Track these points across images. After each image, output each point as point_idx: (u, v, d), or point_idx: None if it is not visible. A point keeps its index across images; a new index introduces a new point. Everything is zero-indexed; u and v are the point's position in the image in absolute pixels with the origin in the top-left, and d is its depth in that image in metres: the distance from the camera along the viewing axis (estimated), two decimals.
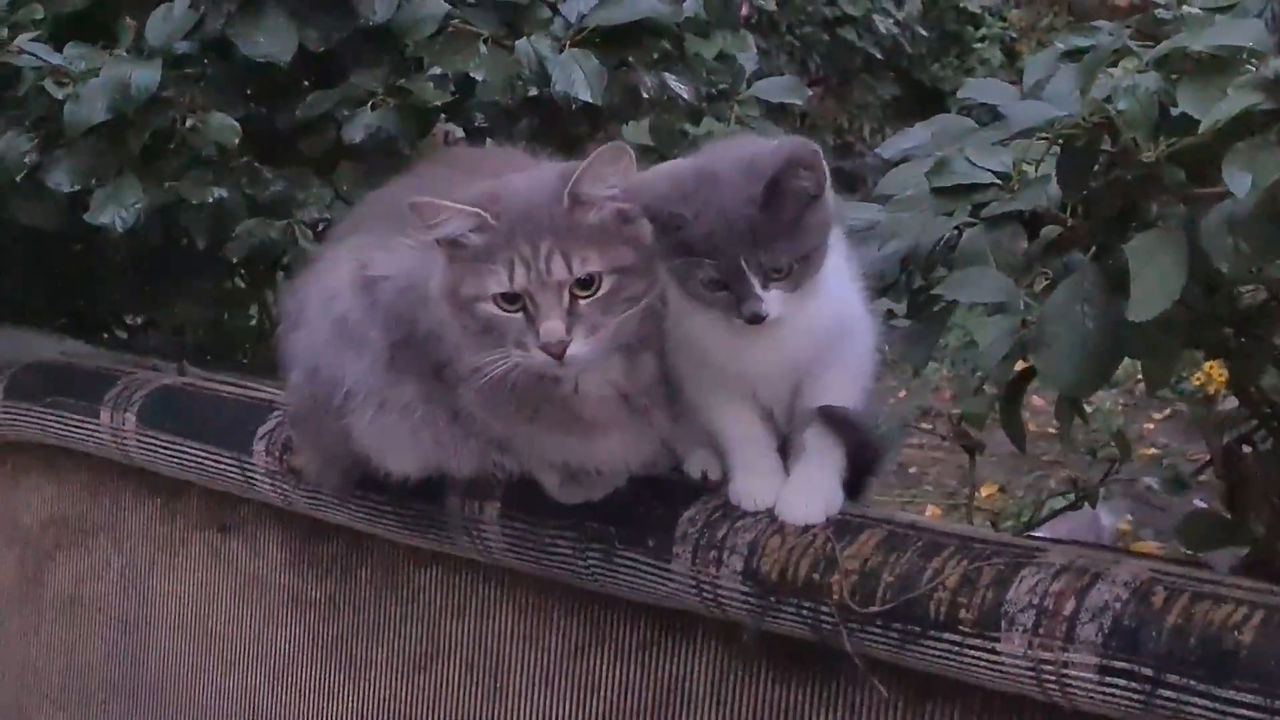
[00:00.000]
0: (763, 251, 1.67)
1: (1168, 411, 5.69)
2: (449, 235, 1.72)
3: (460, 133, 2.91)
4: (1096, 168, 1.71)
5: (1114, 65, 1.68)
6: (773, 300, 1.69)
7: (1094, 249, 1.67)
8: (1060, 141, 1.68)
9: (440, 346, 1.85)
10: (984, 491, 4.98)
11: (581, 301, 1.70)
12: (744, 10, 3.07)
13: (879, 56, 9.50)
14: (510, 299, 1.70)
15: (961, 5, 10.06)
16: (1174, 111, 1.54)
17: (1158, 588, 1.56)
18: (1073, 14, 9.55)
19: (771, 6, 8.26)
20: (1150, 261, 1.48)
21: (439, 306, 1.78)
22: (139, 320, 3.34)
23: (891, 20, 9.51)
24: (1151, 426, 5.58)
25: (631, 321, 1.73)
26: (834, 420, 1.83)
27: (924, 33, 9.79)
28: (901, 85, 9.80)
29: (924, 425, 5.14)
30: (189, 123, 2.60)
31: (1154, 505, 4.64)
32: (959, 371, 5.41)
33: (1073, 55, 1.73)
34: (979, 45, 9.92)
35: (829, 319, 1.79)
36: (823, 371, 1.83)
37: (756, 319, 1.69)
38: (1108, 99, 1.58)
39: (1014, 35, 9.87)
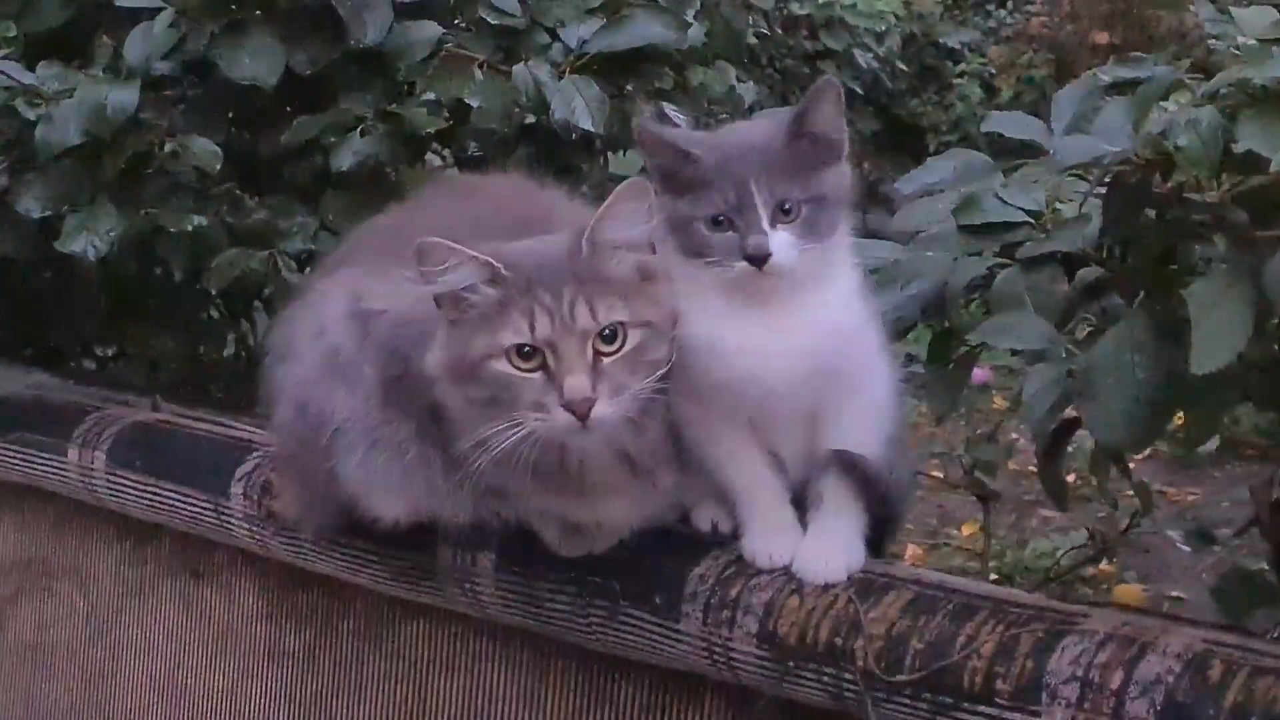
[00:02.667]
0: (774, 179, 1.60)
1: (1147, 451, 5.62)
2: (457, 283, 1.60)
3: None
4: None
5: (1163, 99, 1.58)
6: (779, 241, 1.59)
7: (1141, 294, 1.56)
8: (1107, 179, 1.57)
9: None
10: (965, 530, 4.91)
11: (605, 359, 1.58)
12: None
13: (859, 91, 9.47)
14: (527, 355, 1.58)
15: (941, 41, 10.07)
16: (1235, 148, 1.43)
17: (1214, 661, 1.45)
18: (1052, 51, 9.57)
19: (752, 40, 8.21)
20: (1214, 309, 1.38)
21: (435, 378, 1.67)
22: (109, 352, 3.23)
23: (872, 55, 9.51)
24: (1132, 466, 5.51)
25: (648, 390, 1.61)
26: (849, 468, 1.71)
27: (904, 68, 9.79)
28: (881, 120, 9.79)
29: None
30: (168, 147, 2.52)
31: (1137, 547, 4.56)
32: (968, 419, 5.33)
33: (1118, 87, 1.63)
34: (958, 81, 9.93)
35: (838, 324, 1.66)
36: (837, 410, 1.70)
37: (760, 254, 1.58)
38: (1162, 134, 1.47)
39: (993, 71, 9.88)
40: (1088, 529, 2.72)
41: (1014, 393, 5.47)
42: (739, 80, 3.04)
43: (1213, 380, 1.41)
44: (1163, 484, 5.12)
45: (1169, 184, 1.51)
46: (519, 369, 1.59)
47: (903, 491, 1.85)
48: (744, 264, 1.59)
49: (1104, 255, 1.72)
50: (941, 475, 3.42)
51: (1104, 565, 4.25)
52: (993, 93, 9.74)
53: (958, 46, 10.11)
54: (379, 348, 1.80)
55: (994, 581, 4.43)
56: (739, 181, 1.59)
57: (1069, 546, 4.49)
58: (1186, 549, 4.33)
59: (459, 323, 1.63)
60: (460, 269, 1.60)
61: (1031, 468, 4.96)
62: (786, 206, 1.60)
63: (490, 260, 1.59)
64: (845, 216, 1.67)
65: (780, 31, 8.54)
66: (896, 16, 9.79)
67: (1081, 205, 1.65)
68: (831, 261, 1.65)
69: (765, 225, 1.59)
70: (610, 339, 1.58)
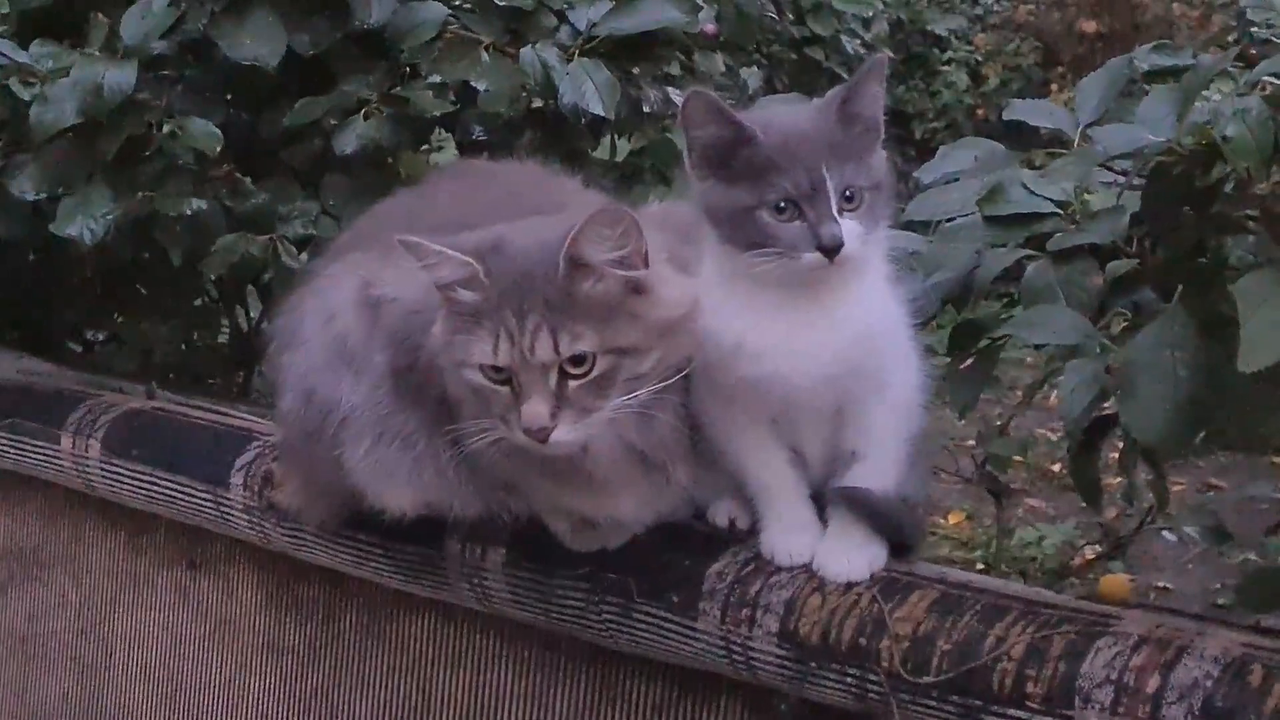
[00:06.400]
0: (841, 164, 1.52)
1: None
2: (442, 279, 1.57)
3: None
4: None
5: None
6: (849, 229, 1.52)
7: (1180, 289, 1.51)
8: (1145, 169, 1.53)
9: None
10: (951, 519, 4.90)
11: (572, 382, 1.54)
12: (711, 29, 2.97)
13: (846, 77, 9.40)
14: (497, 369, 1.55)
15: (928, 28, 10.03)
16: None
17: (1254, 665, 1.42)
18: (1039, 39, 9.56)
19: None
20: (1263, 305, 1.33)
21: (439, 357, 1.64)
22: (100, 336, 3.17)
23: (859, 41, 9.44)
24: (1115, 455, 5.49)
25: (634, 403, 1.56)
26: (855, 505, 1.68)
27: (890, 54, 9.74)
28: None
29: None
30: (166, 128, 2.47)
31: (1122, 536, 4.54)
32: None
33: (1156, 76, 1.58)
34: (945, 68, 9.90)
35: (869, 322, 1.61)
36: (862, 408, 1.66)
37: (834, 244, 1.50)
38: (1206, 123, 1.43)
39: (979, 59, 9.86)
40: (1100, 524, 2.68)
41: (1004, 385, 5.46)
42: (728, 65, 3.01)
43: (1259, 378, 1.37)
44: (1146, 474, 5.09)
45: (1212, 176, 1.47)
46: (490, 380, 1.56)
47: (919, 520, 1.80)
48: (815, 255, 1.52)
49: (1135, 248, 1.68)
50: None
51: (1088, 555, 4.23)
52: (979, 80, 9.72)
53: (944, 34, 10.07)
54: (389, 335, 1.75)
55: (981, 571, 4.42)
56: (810, 166, 1.51)
57: (1056, 537, 4.49)
58: (1172, 539, 4.32)
59: (449, 315, 1.60)
60: (442, 267, 1.56)
61: (1017, 457, 4.95)
62: (850, 193, 1.53)
63: (470, 262, 1.55)
64: (889, 204, 1.62)
65: (771, 16, 8.51)
66: (884, 3, 9.74)
67: (1120, 196, 1.61)
68: (876, 254, 1.60)
69: (835, 213, 1.52)
70: (578, 362, 1.54)
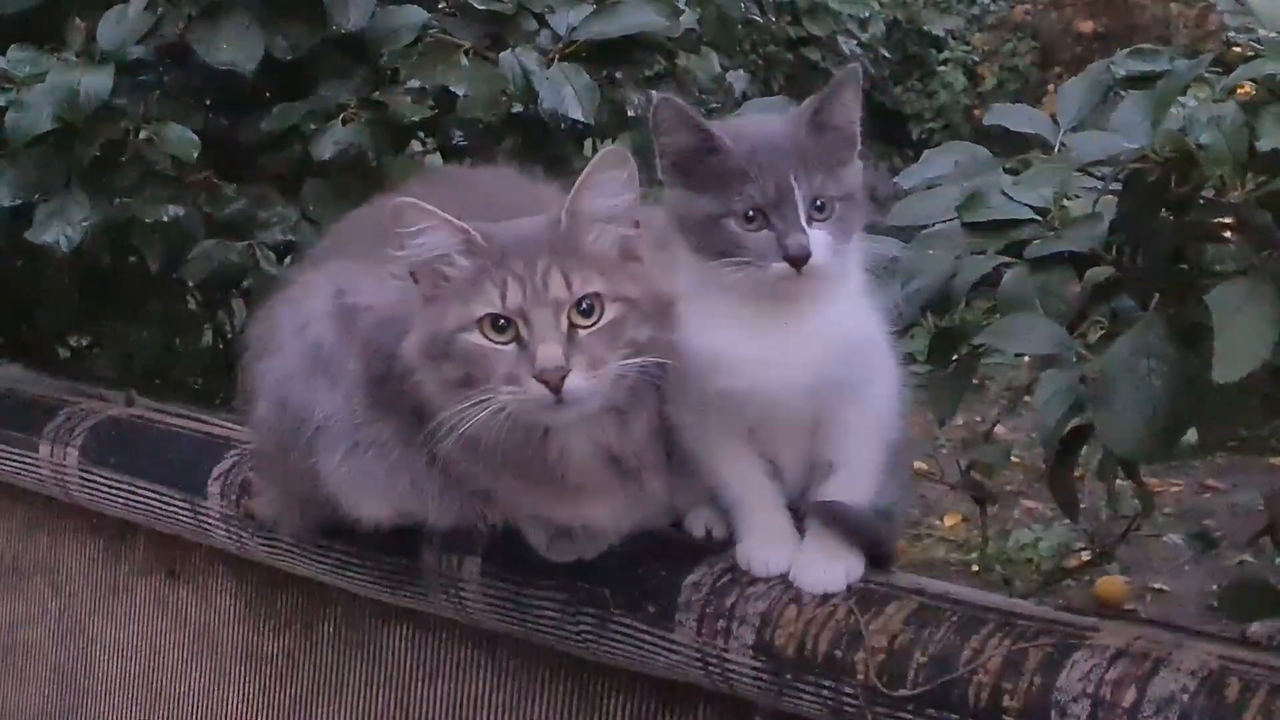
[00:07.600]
0: (810, 174, 1.51)
1: None
2: (430, 249, 1.55)
3: None
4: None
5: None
6: (816, 241, 1.51)
7: (1156, 297, 1.50)
8: (1121, 176, 1.51)
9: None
10: (947, 521, 4.89)
11: (582, 332, 1.52)
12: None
13: None
14: (500, 327, 1.53)
15: (925, 28, 10.04)
16: (1260, 146, 1.37)
17: (1230, 679, 1.41)
18: (1036, 39, 9.55)
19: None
20: (1237, 315, 1.32)
21: (414, 364, 1.61)
22: (83, 342, 3.15)
23: (855, 42, 9.45)
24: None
25: (631, 373, 1.55)
26: (831, 520, 1.66)
27: (887, 55, 9.75)
28: (864, 107, 9.72)
29: None
30: (143, 134, 2.46)
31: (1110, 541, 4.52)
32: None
33: (1135, 81, 1.56)
34: (942, 68, 9.91)
35: (846, 333, 1.60)
36: (841, 419, 1.64)
37: (801, 255, 1.50)
38: (1182, 130, 1.41)
39: (976, 59, 9.86)
40: (1087, 531, 2.66)
41: (999, 387, 5.44)
42: (723, 67, 2.98)
43: (1234, 389, 1.35)
44: (1144, 475, 5.07)
45: (1187, 183, 1.45)
46: (492, 341, 1.53)
47: (896, 530, 1.80)
48: (782, 265, 1.51)
49: (1114, 255, 1.66)
50: (924, 466, 3.39)
51: (1085, 556, 4.22)
52: (976, 80, 9.72)
53: (941, 34, 10.08)
54: (364, 344, 1.74)
55: (975, 573, 4.41)
56: (778, 175, 1.50)
57: (1053, 539, 4.48)
58: (1167, 541, 4.31)
59: (434, 299, 1.58)
60: (434, 233, 1.55)
61: (1014, 458, 4.95)
62: (820, 204, 1.52)
63: (465, 227, 1.54)
64: (863, 215, 1.60)
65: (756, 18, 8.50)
66: (880, 3, 9.75)
67: (1095, 203, 1.59)
68: (849, 265, 1.59)
69: (804, 223, 1.51)
70: (587, 312, 1.53)
